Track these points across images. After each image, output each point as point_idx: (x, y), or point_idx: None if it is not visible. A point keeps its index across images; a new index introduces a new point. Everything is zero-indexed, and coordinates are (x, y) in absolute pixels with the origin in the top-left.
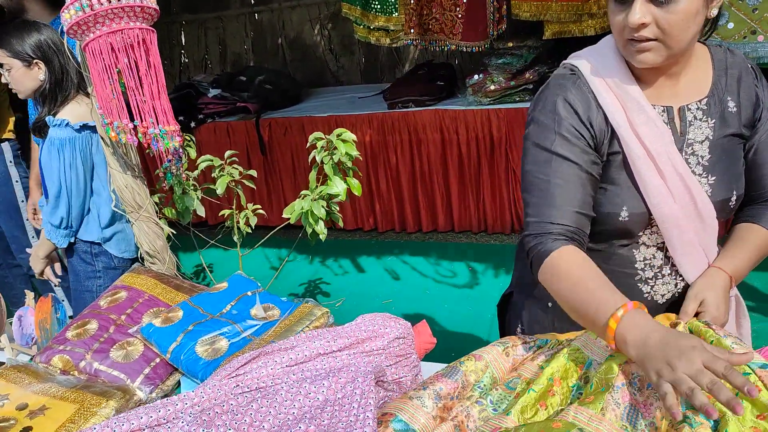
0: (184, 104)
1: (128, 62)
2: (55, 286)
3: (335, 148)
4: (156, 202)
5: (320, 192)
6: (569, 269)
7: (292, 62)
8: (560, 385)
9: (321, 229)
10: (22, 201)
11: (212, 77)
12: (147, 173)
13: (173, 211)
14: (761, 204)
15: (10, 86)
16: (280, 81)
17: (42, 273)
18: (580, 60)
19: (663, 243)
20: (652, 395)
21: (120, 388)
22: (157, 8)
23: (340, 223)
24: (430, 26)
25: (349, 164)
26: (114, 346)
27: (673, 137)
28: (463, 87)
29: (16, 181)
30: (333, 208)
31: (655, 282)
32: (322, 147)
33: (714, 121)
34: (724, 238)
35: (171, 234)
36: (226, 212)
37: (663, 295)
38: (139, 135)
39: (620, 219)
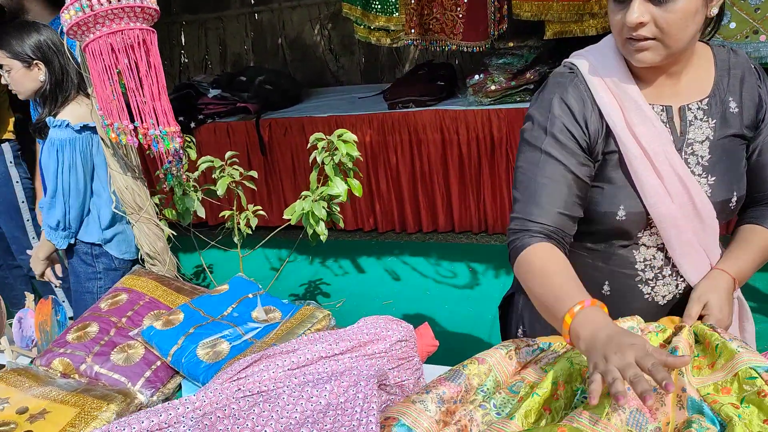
0: (184, 104)
1: (128, 63)
2: (56, 287)
3: (336, 148)
4: (156, 204)
5: (321, 193)
6: (541, 264)
7: (292, 62)
8: (564, 389)
9: (322, 230)
10: (23, 201)
11: (212, 77)
12: (147, 174)
13: (173, 212)
14: (765, 205)
15: (9, 87)
16: (280, 81)
17: (43, 274)
18: (580, 59)
19: (663, 244)
20: (657, 399)
21: (121, 392)
22: (158, 8)
23: (341, 224)
24: (431, 26)
25: (350, 165)
26: (115, 349)
27: (671, 137)
28: (463, 87)
29: (17, 182)
30: (334, 209)
31: (655, 283)
32: (323, 148)
33: (715, 121)
34: (726, 239)
35: (171, 235)
36: (226, 213)
37: (664, 296)
38: (140, 136)
39: (617, 218)
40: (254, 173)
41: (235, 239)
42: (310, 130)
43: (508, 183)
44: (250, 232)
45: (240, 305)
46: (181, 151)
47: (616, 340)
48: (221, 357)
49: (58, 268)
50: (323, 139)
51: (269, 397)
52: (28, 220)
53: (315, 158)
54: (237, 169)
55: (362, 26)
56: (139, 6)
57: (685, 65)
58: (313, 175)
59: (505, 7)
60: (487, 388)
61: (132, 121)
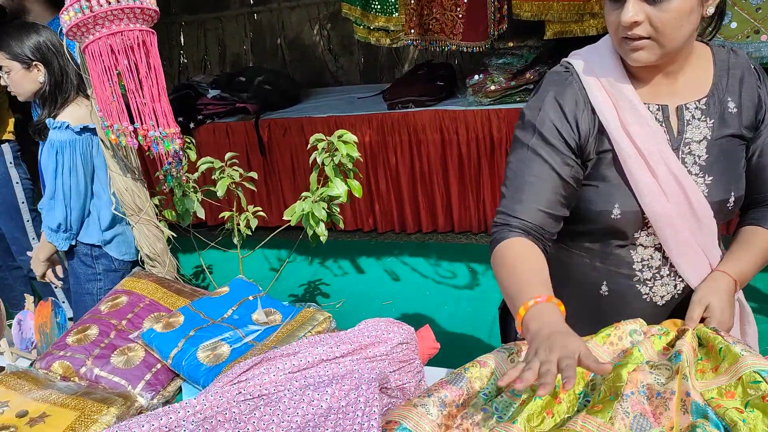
0: (183, 105)
1: (128, 64)
2: (56, 288)
3: (336, 149)
4: (156, 205)
5: (321, 194)
6: (512, 257)
7: (291, 62)
8: (566, 393)
9: (322, 231)
10: (23, 202)
11: (211, 78)
12: (147, 175)
13: (173, 213)
14: (766, 207)
15: (9, 89)
16: (279, 81)
17: (43, 276)
18: (577, 58)
19: (660, 244)
20: (661, 404)
21: (121, 395)
22: (157, 10)
23: (341, 225)
24: (431, 26)
25: (350, 166)
26: (115, 352)
27: (667, 136)
28: (462, 87)
29: (17, 183)
30: (334, 210)
31: (653, 283)
32: (323, 148)
33: (713, 121)
34: (727, 240)
35: (171, 237)
36: (226, 214)
37: (662, 297)
38: (140, 138)
39: (612, 217)
40: (254, 174)
41: (235, 240)
42: (310, 131)
43: None
44: (250, 233)
45: (240, 307)
46: (180, 153)
47: (552, 339)
48: (222, 360)
49: (59, 268)
50: (323, 140)
51: (270, 401)
52: (28, 221)
53: (315, 159)
54: (237, 170)
55: (362, 26)
56: (138, 7)
57: (683, 65)
58: (313, 176)
59: (505, 7)
60: (489, 392)
61: (132, 122)
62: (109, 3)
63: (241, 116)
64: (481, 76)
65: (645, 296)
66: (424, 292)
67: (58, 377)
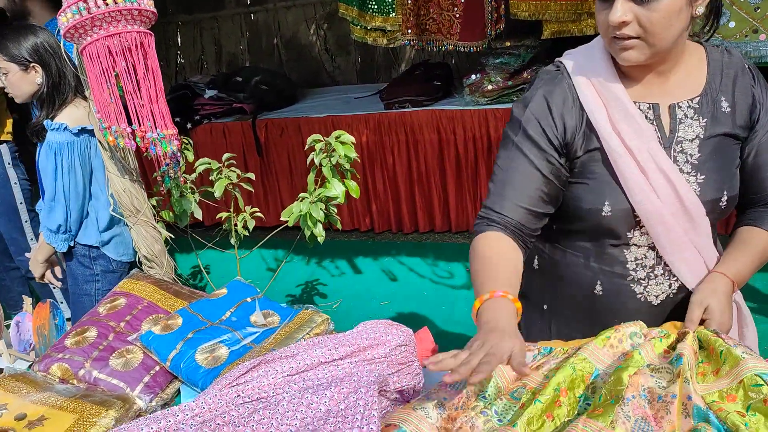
0: (180, 105)
1: (126, 66)
2: (54, 288)
3: (333, 150)
4: (153, 206)
5: (318, 194)
6: (483, 250)
7: (287, 62)
8: (567, 396)
9: (319, 231)
10: (21, 203)
11: (208, 78)
12: (144, 176)
13: (171, 214)
14: (763, 207)
15: (6, 90)
16: (276, 81)
17: (42, 277)
18: (569, 57)
19: (654, 243)
20: (663, 408)
21: (119, 397)
22: (155, 11)
23: (339, 226)
24: (428, 26)
25: (347, 166)
26: (113, 354)
27: (657, 134)
28: (459, 87)
29: (15, 183)
30: (331, 211)
31: (647, 282)
32: (320, 149)
33: (705, 120)
34: (725, 240)
35: (169, 238)
36: (223, 215)
37: (657, 296)
38: (137, 139)
39: (603, 214)
40: (251, 175)
41: (232, 241)
42: (307, 131)
43: None
44: (247, 234)
45: (238, 309)
46: (178, 154)
47: (489, 336)
48: (220, 362)
49: (57, 270)
50: (321, 141)
51: (269, 404)
52: (26, 222)
53: (312, 160)
54: (234, 171)
55: (359, 27)
56: (136, 9)
57: (675, 64)
58: (311, 177)
59: (503, 6)
60: (489, 395)
61: (130, 124)
62: (107, 4)
63: (238, 116)
64: (478, 75)
65: (639, 296)
66: (421, 292)
67: (57, 380)
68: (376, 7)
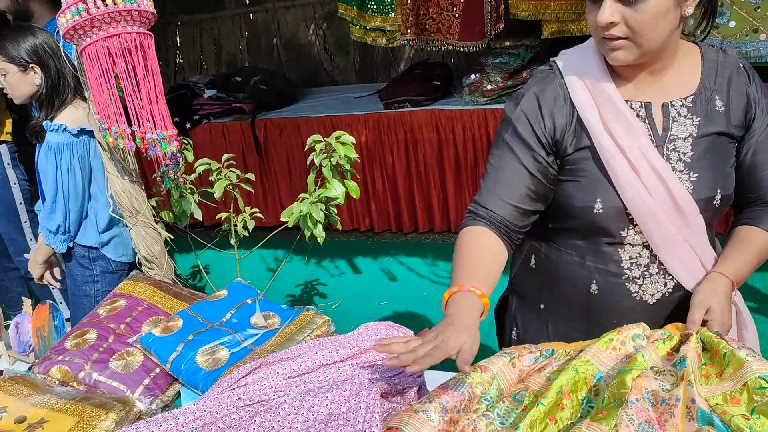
0: (179, 105)
1: (125, 67)
2: (53, 289)
3: (334, 150)
4: (153, 206)
5: (319, 195)
6: (461, 244)
7: (287, 62)
8: (570, 398)
9: (319, 232)
10: (20, 203)
11: (207, 78)
12: (144, 177)
13: (170, 214)
14: (761, 206)
15: (5, 91)
16: (275, 81)
17: (41, 278)
18: (562, 57)
19: (648, 242)
20: (666, 411)
21: (120, 400)
22: (155, 12)
23: (339, 226)
24: (427, 26)
25: (348, 167)
26: (113, 356)
27: (649, 132)
28: (459, 86)
29: (14, 184)
30: (331, 211)
31: (642, 281)
32: (320, 150)
33: (699, 118)
34: (723, 240)
35: (168, 239)
36: (223, 215)
37: (652, 295)
38: (137, 140)
39: (595, 212)
40: (251, 176)
41: (232, 241)
42: (306, 131)
43: None
44: (247, 234)
45: (239, 311)
46: (178, 155)
47: (446, 329)
48: (220, 364)
49: (56, 271)
50: (321, 141)
51: (270, 407)
52: (25, 222)
53: (312, 160)
54: (234, 172)
55: (358, 27)
56: (135, 9)
57: (668, 63)
58: (311, 177)
59: (502, 6)
60: (491, 397)
61: (129, 124)
62: (106, 5)
63: (237, 116)
64: (477, 75)
65: (635, 294)
66: (421, 292)
67: (57, 382)
68: (375, 7)
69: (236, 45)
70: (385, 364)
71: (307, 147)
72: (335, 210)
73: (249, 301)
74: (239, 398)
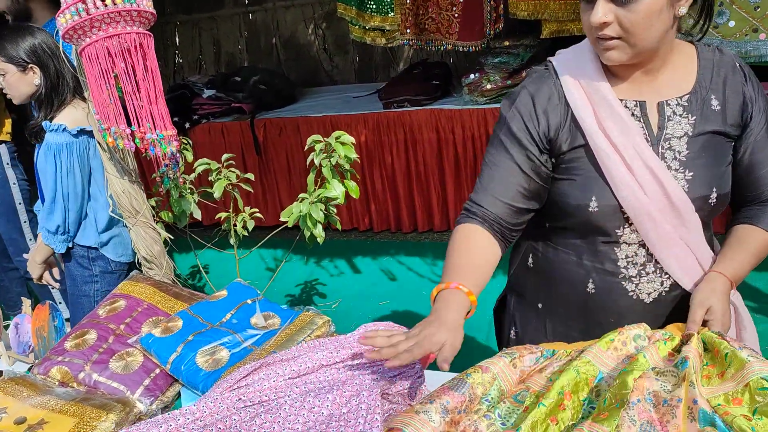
0: (178, 105)
1: (125, 67)
2: (53, 289)
3: (333, 150)
4: (153, 206)
5: (318, 195)
6: (458, 242)
7: (286, 62)
8: (571, 399)
9: (319, 232)
10: (20, 203)
11: (207, 78)
12: (143, 177)
13: (170, 214)
14: (758, 205)
15: (5, 91)
16: (274, 81)
17: (40, 278)
18: (559, 57)
19: (644, 240)
20: (668, 412)
21: (120, 401)
22: (154, 12)
23: (338, 226)
24: (426, 26)
25: (347, 167)
26: (113, 357)
27: (644, 131)
28: (458, 86)
29: (14, 184)
30: (331, 211)
31: (639, 280)
32: (320, 150)
33: (695, 117)
34: (722, 238)
35: (168, 239)
36: (222, 215)
37: (649, 294)
38: (137, 140)
39: (590, 210)
40: (251, 176)
41: (232, 241)
42: (305, 130)
43: None
44: (246, 234)
45: (239, 311)
46: (177, 155)
47: (429, 326)
48: (221, 365)
49: (55, 271)
50: (321, 141)
51: (270, 408)
52: (25, 222)
53: (312, 160)
54: (233, 172)
55: (357, 26)
56: (135, 10)
57: (663, 63)
58: (311, 177)
59: (502, 6)
60: (492, 398)
61: (129, 125)
62: (106, 6)
63: (237, 116)
64: (476, 75)
65: (631, 293)
66: (420, 291)
67: (57, 383)
68: (374, 6)
69: (235, 45)
70: (366, 357)
71: (306, 147)
72: (335, 210)
73: (249, 301)
74: (240, 399)
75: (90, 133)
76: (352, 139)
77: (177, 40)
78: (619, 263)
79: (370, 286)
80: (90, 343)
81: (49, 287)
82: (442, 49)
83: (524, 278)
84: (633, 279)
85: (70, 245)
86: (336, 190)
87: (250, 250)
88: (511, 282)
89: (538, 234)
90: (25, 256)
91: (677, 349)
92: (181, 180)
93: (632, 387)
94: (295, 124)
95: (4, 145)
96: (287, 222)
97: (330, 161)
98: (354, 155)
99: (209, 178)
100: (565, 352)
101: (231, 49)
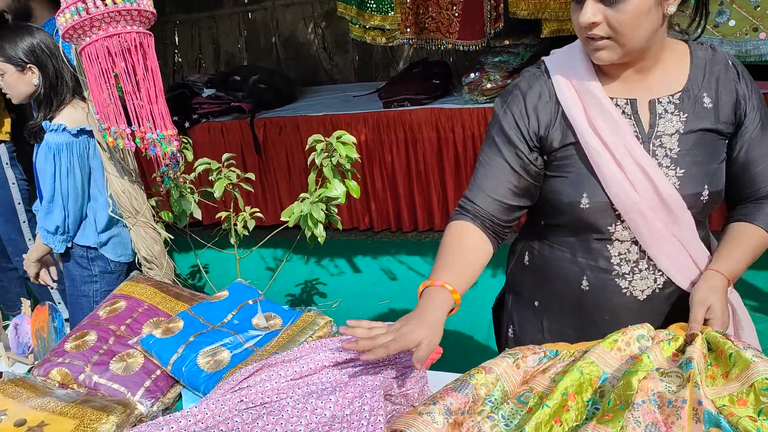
0: (178, 104)
1: (125, 66)
2: (52, 289)
3: (334, 150)
4: (153, 206)
5: (319, 195)
6: (449, 238)
7: (285, 61)
8: (575, 400)
9: (320, 232)
10: (19, 203)
11: (206, 77)
12: (143, 176)
13: (170, 214)
14: (754, 202)
15: (3, 91)
16: (274, 80)
17: (37, 276)
18: (552, 56)
19: (636, 237)
20: (673, 413)
21: (120, 402)
22: (154, 12)
23: (339, 226)
24: (427, 25)
25: (348, 166)
26: (114, 358)
27: (635, 129)
28: (458, 85)
29: (13, 183)
30: (332, 211)
31: (632, 277)
32: (321, 149)
33: (686, 115)
34: (719, 236)
35: (168, 238)
36: (222, 214)
37: (643, 291)
38: (137, 140)
39: (581, 207)
40: (251, 175)
41: (232, 241)
42: (305, 129)
43: None
44: (247, 234)
45: (240, 312)
46: (177, 154)
47: (410, 321)
48: (222, 366)
49: (53, 270)
50: (322, 141)
51: (273, 409)
52: (24, 222)
53: (313, 160)
54: (234, 171)
55: (357, 25)
56: (135, 9)
57: (655, 61)
58: (311, 177)
59: (502, 5)
60: (495, 399)
61: (129, 124)
62: (106, 5)
63: (236, 115)
64: (476, 74)
65: (625, 290)
66: None
67: (57, 384)
68: (374, 5)
69: (235, 44)
70: (342, 347)
71: (307, 146)
72: (336, 210)
73: (250, 301)
74: (241, 400)
75: (90, 133)
76: (353, 139)
77: (176, 39)
78: (612, 260)
79: (370, 286)
80: (90, 345)
81: (48, 288)
82: (442, 48)
83: (521, 277)
84: (626, 276)
85: (69, 245)
86: (337, 189)
87: (250, 249)
88: (509, 281)
89: (534, 232)
90: (24, 256)
91: (681, 350)
92: (181, 180)
93: (637, 388)
94: (295, 124)
95: (3, 144)
96: (288, 222)
97: (331, 161)
98: (355, 155)
99: (209, 178)
100: (569, 352)
101: (230, 48)
